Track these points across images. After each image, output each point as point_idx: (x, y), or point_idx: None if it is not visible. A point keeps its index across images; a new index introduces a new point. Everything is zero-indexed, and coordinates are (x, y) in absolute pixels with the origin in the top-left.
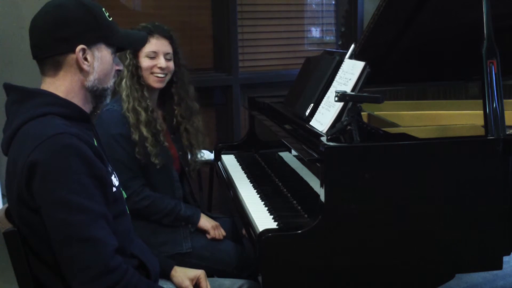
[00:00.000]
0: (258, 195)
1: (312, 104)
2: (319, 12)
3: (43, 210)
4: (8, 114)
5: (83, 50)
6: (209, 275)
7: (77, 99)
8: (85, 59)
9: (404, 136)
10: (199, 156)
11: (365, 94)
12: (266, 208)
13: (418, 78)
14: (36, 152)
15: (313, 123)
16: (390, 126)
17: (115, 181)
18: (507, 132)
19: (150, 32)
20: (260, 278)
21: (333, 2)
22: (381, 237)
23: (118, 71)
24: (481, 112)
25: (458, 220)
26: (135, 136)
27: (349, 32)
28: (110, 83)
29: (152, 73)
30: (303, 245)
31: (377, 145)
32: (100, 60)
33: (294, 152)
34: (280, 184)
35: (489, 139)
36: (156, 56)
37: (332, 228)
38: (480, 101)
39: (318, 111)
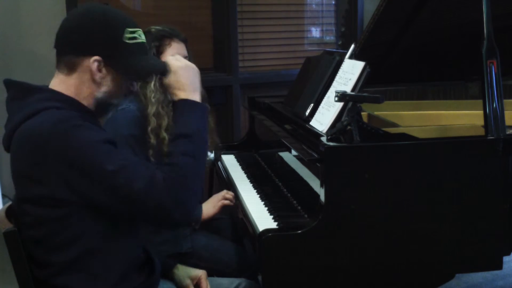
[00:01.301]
0: (258, 195)
1: (312, 104)
2: (319, 12)
3: (93, 197)
4: (8, 111)
5: (98, 62)
6: (209, 274)
7: (83, 102)
8: (99, 70)
9: (404, 136)
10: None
11: (365, 94)
12: (266, 208)
13: (418, 78)
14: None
15: (313, 123)
16: (390, 126)
17: None
18: (507, 132)
19: (170, 36)
20: (260, 278)
21: (333, 2)
22: (381, 237)
23: (131, 91)
24: (481, 112)
25: (458, 220)
26: (153, 141)
27: (349, 32)
28: (118, 99)
29: None
30: (303, 245)
31: (377, 145)
32: (113, 76)
33: (294, 152)
34: (280, 184)
35: (489, 139)
36: None
37: (332, 228)
38: (480, 101)
39: (318, 111)
